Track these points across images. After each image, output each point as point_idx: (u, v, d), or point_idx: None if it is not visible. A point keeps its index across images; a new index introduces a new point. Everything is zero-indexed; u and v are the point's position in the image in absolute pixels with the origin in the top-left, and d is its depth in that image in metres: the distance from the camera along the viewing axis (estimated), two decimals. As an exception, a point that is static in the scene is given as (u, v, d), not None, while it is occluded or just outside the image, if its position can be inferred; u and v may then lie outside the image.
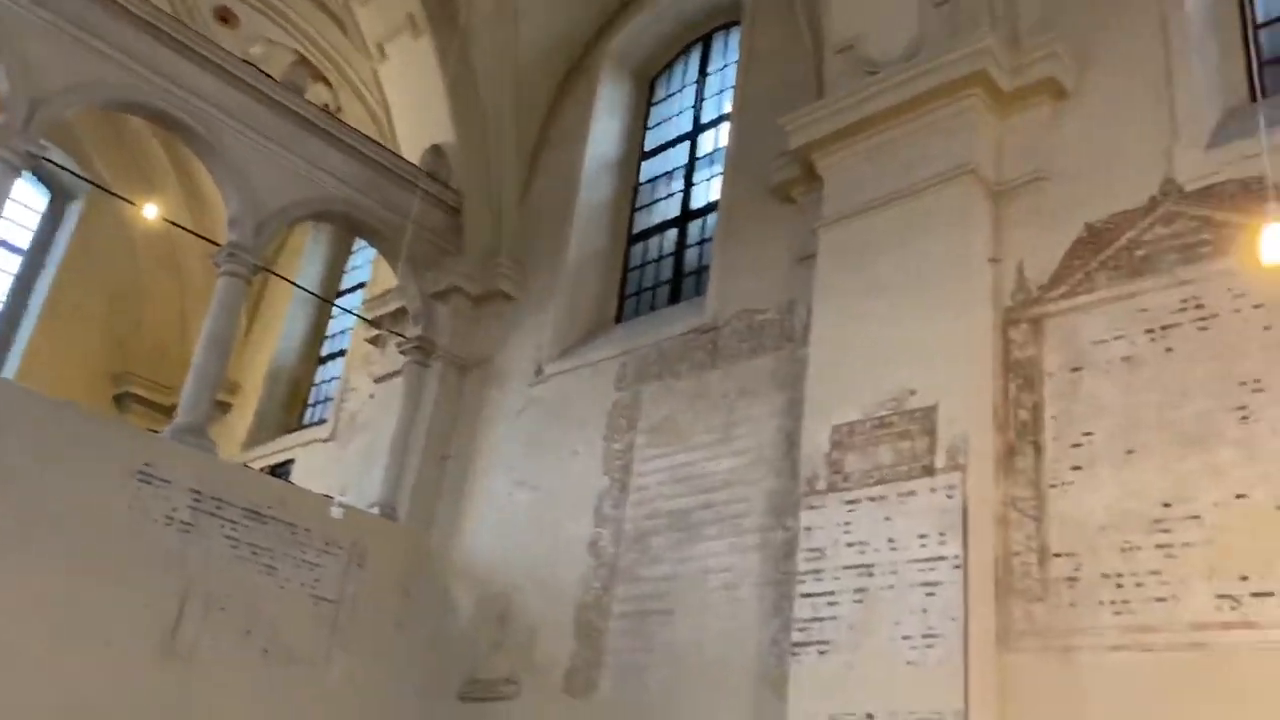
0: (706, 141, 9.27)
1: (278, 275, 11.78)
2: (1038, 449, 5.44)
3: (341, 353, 12.16)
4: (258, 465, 10.80)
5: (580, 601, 7.27)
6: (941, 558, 5.31)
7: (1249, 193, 5.10)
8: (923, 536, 5.42)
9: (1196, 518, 4.76)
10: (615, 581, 7.14)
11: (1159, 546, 4.82)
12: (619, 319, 9.09)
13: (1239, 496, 4.68)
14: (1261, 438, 4.72)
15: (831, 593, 5.63)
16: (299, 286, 11.61)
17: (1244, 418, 4.80)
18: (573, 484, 7.84)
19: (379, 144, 9.91)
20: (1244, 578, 4.54)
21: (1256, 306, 4.98)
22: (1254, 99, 5.81)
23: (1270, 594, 4.46)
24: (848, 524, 5.77)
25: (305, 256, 13.07)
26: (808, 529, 5.92)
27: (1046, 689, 4.93)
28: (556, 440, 8.22)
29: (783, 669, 5.73)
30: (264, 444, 11.79)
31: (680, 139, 9.54)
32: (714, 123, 9.23)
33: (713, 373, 7.43)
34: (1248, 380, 4.86)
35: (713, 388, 7.36)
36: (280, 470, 10.97)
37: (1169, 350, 5.17)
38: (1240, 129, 5.29)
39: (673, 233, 9.16)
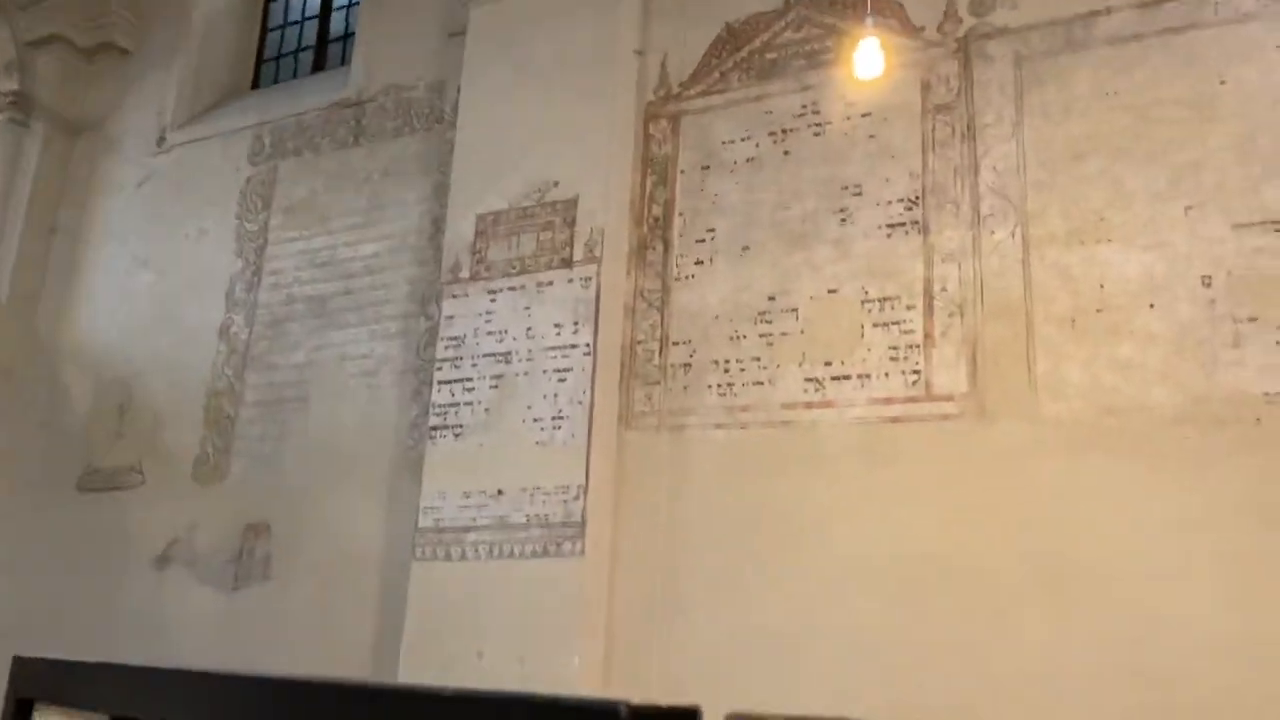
0: (356, -109, 8.41)
1: None
2: (667, 244, 5.70)
3: (-82, 104, 10.31)
4: None
5: (211, 389, 6.93)
6: (574, 345, 5.53)
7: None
8: (558, 325, 5.60)
9: (794, 310, 5.25)
10: (248, 368, 6.85)
11: (761, 336, 5.29)
12: (255, 85, 8.31)
13: (830, 291, 5.19)
14: (854, 239, 5.21)
15: (469, 379, 5.73)
16: None
17: (843, 220, 5.27)
18: (201, 265, 7.30)
19: None
20: (828, 363, 5.10)
21: (864, 115, 5.38)
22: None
23: (847, 377, 5.05)
24: (488, 313, 5.83)
25: None
26: (449, 317, 5.93)
27: (658, 462, 5.38)
28: (183, 217, 7.55)
29: (419, 453, 5.85)
30: None
31: (327, -116, 8.58)
32: None
33: (357, 151, 7.05)
34: (849, 185, 5.30)
35: (356, 167, 7.00)
36: None
37: (787, 153, 5.50)
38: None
39: (318, -8, 8.38)
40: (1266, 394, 4.19)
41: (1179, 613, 4.09)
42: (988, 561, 4.48)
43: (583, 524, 5.18)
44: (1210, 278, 4.41)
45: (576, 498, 5.23)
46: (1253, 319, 4.29)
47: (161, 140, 7.92)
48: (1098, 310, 4.57)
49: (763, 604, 4.89)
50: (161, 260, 7.55)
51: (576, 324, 5.54)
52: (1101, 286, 4.60)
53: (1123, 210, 4.65)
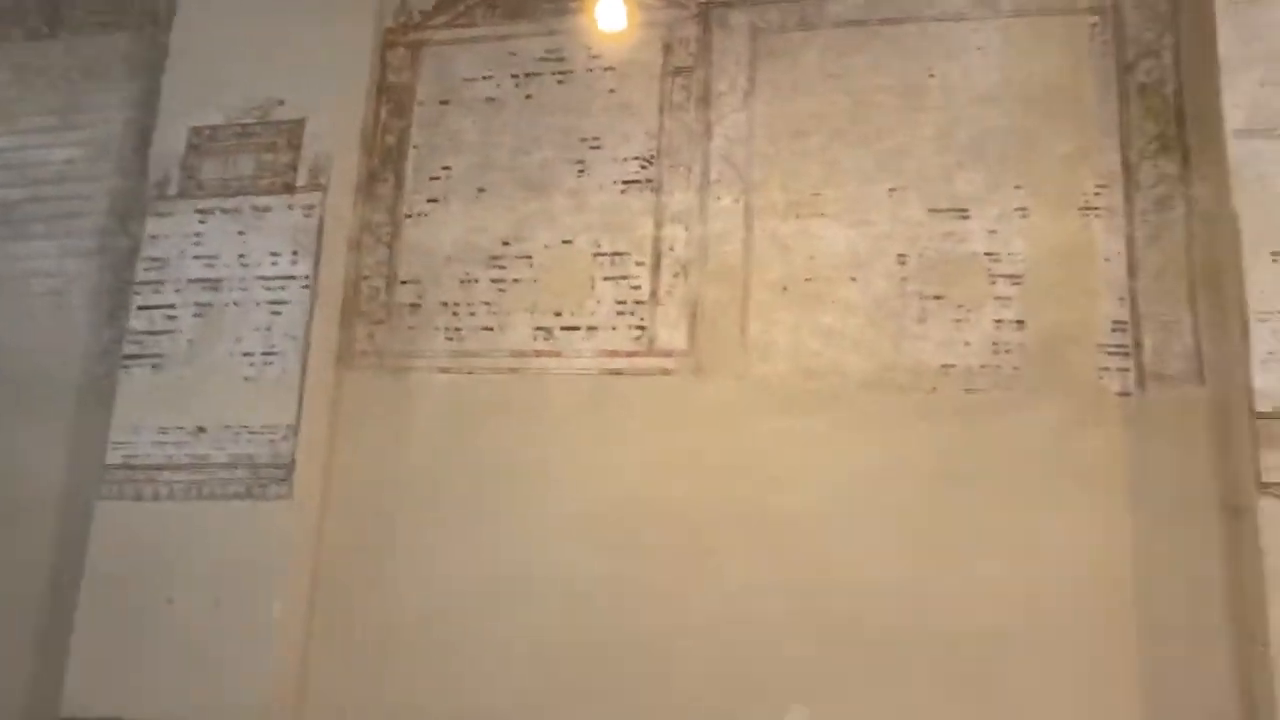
0: None
1: None
2: (399, 178, 5.52)
3: None
4: None
5: None
6: (292, 277, 5.24)
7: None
8: (275, 254, 5.28)
9: (528, 257, 5.23)
10: (-94, 278, 6.03)
11: (493, 281, 5.24)
12: (-73, -47, 7.24)
13: (565, 242, 5.21)
14: (591, 191, 5.25)
15: (172, 306, 5.31)
16: None
17: (580, 171, 5.29)
18: None
19: None
20: (558, 313, 5.13)
21: (608, 69, 5.40)
22: None
23: (577, 328, 5.11)
24: (198, 235, 5.41)
25: None
26: (152, 237, 5.46)
27: (379, 403, 5.24)
28: None
29: (112, 383, 5.36)
30: None
31: None
32: None
33: (53, 44, 6.30)
34: (588, 137, 5.32)
35: (52, 62, 6.26)
36: None
37: (529, 98, 5.44)
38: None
39: None
40: (943, 365, 4.64)
41: (857, 560, 4.49)
42: (695, 510, 4.70)
43: (292, 465, 4.96)
44: (905, 256, 4.80)
45: (286, 438, 5.00)
46: (938, 297, 4.72)
47: None
48: (807, 280, 4.87)
49: (478, 551, 4.89)
50: None
51: (296, 254, 5.26)
52: (812, 258, 4.90)
53: (836, 188, 4.96)
